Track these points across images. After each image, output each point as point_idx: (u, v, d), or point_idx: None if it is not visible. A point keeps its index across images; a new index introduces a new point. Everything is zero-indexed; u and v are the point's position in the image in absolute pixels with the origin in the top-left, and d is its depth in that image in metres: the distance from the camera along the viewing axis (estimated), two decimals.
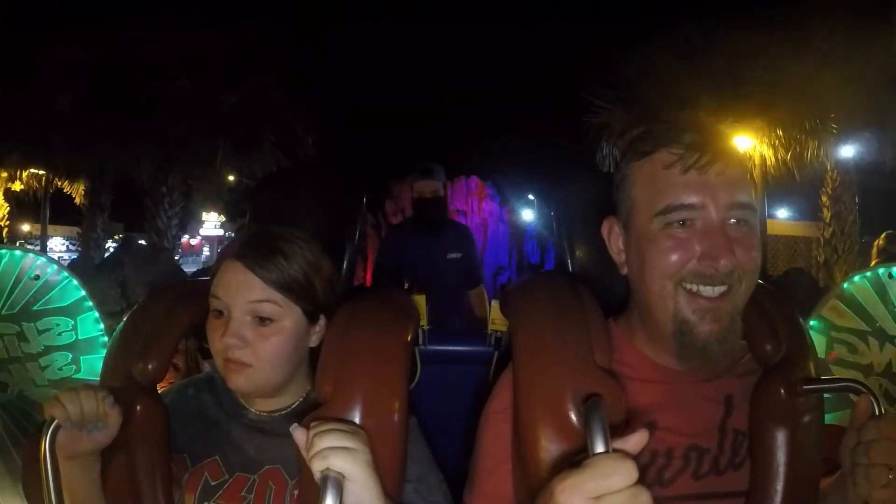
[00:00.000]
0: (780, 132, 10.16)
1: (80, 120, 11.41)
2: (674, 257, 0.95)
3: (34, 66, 11.47)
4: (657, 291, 0.98)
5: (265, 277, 1.09)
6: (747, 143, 10.27)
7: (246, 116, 12.37)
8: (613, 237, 1.07)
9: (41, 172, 13.41)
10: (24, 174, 13.53)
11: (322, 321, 1.17)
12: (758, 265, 0.97)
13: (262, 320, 1.10)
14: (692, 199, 0.94)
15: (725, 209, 0.94)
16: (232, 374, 1.10)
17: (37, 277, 2.38)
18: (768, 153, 10.37)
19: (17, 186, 13.91)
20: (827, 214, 10.98)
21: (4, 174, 13.49)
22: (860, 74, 8.72)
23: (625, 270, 1.06)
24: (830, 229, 10.94)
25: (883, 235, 5.50)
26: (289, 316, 1.12)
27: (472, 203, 12.50)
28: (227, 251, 1.15)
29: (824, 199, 11.02)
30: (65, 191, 13.90)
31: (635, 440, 0.72)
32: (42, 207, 14.99)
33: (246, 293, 1.09)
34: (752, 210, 0.97)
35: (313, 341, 1.17)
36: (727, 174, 0.95)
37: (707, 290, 0.95)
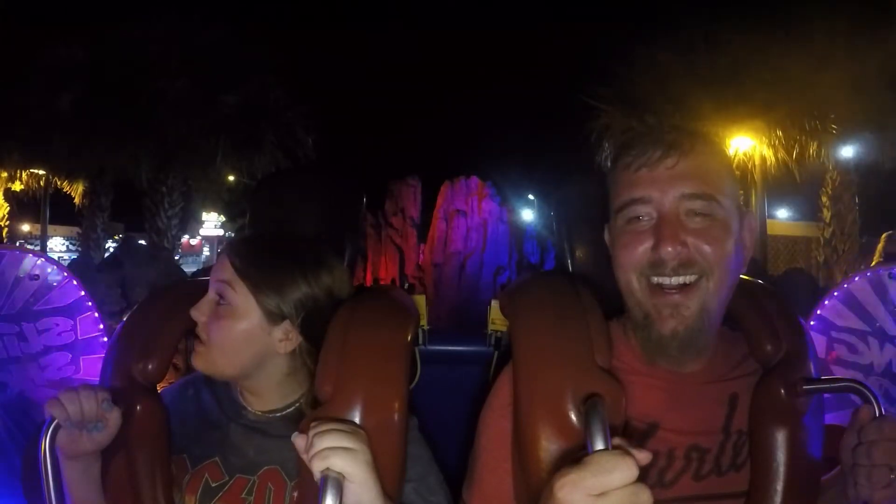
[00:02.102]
0: (780, 132, 10.17)
1: (80, 120, 11.42)
2: (631, 250, 1.00)
3: (35, 67, 11.48)
4: (625, 286, 1.01)
5: (233, 262, 1.14)
6: (747, 143, 10.28)
7: (246, 117, 12.38)
8: (610, 241, 1.09)
9: (41, 172, 13.42)
10: (25, 174, 13.53)
11: (287, 326, 1.14)
12: (727, 258, 0.98)
13: (220, 304, 1.13)
14: (640, 193, 0.99)
15: (677, 201, 0.97)
16: (195, 352, 1.14)
17: (37, 277, 2.38)
18: (768, 153, 10.38)
19: (17, 186, 13.92)
20: (827, 214, 10.98)
21: (4, 174, 13.50)
22: (860, 75, 8.73)
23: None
24: (830, 229, 10.94)
25: (884, 237, 5.51)
26: (243, 304, 1.12)
27: (471, 203, 12.52)
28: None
29: (824, 199, 11.03)
30: (64, 190, 13.90)
31: (642, 455, 0.71)
32: (42, 207, 14.99)
33: (216, 273, 1.15)
34: (712, 201, 0.98)
35: (282, 347, 1.14)
36: (677, 168, 0.98)
37: (666, 281, 0.97)
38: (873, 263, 5.60)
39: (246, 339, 1.12)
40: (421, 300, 1.38)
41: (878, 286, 2.13)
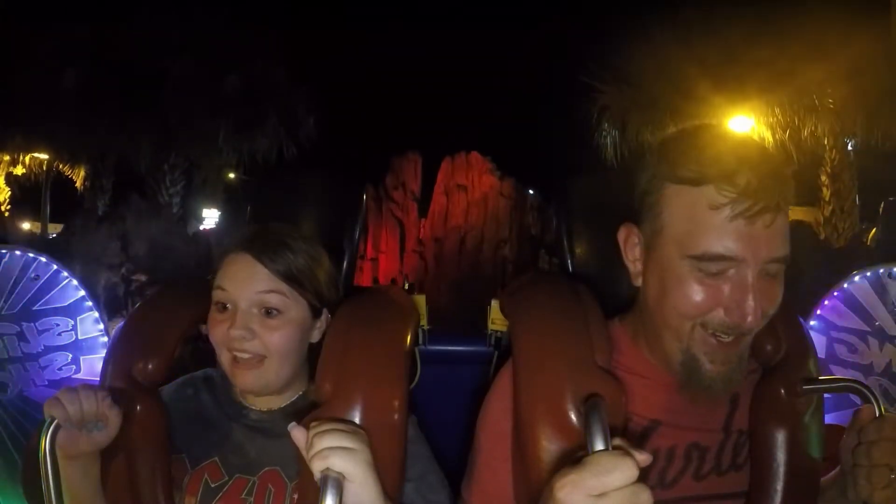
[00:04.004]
0: (777, 112, 10.15)
1: (83, 100, 11.39)
2: (699, 303, 0.91)
3: (37, 48, 11.47)
4: (673, 326, 0.95)
5: (273, 269, 1.11)
6: (745, 125, 10.26)
7: (247, 96, 12.34)
8: (630, 246, 1.01)
9: (43, 157, 13.37)
10: (27, 158, 13.48)
11: (325, 316, 1.18)
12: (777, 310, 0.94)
13: (269, 312, 1.10)
14: (733, 251, 0.88)
15: (763, 263, 0.89)
16: (242, 371, 1.10)
17: (37, 277, 2.39)
18: (767, 134, 10.35)
19: (18, 170, 13.86)
20: (826, 193, 10.93)
21: (7, 157, 13.44)
22: (858, 55, 8.72)
23: (638, 282, 1.01)
24: (830, 207, 10.89)
25: (884, 203, 5.60)
26: (295, 308, 1.13)
27: (472, 178, 12.59)
28: (232, 244, 1.15)
29: (823, 178, 10.97)
30: (65, 174, 13.82)
31: (642, 457, 0.71)
32: (43, 192, 14.89)
33: (254, 284, 1.10)
34: (786, 261, 0.91)
35: (315, 336, 1.18)
36: (774, 225, 0.88)
37: (724, 337, 0.92)
38: (871, 234, 5.69)
39: (301, 338, 1.15)
40: (421, 300, 1.37)
41: (878, 286, 2.14)
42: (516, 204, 12.43)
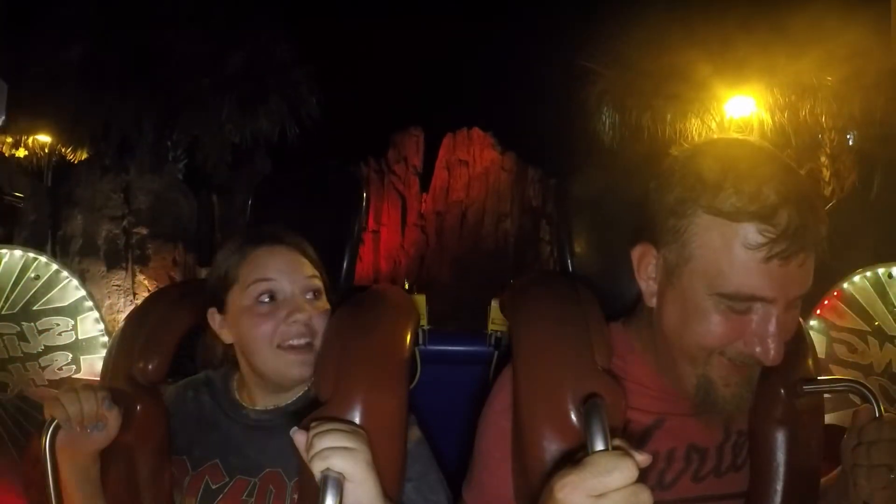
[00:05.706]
0: (777, 94, 10.13)
1: (86, 74, 11.35)
2: (722, 336, 0.90)
3: (41, 24, 11.42)
4: (690, 354, 0.94)
5: (310, 256, 1.18)
6: (744, 109, 10.25)
7: (251, 73, 12.28)
8: (645, 265, 0.97)
9: (46, 139, 13.30)
10: (30, 140, 13.41)
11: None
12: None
13: (316, 295, 1.16)
14: (766, 292, 0.86)
15: (792, 300, 0.88)
16: (297, 358, 1.11)
17: (37, 277, 2.39)
18: (766, 118, 10.33)
19: (21, 153, 13.81)
20: (826, 174, 10.90)
21: (10, 140, 13.36)
22: (857, 37, 8.71)
23: (652, 303, 0.98)
24: (830, 188, 10.85)
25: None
26: (325, 293, 1.19)
27: (473, 153, 12.66)
28: (253, 241, 1.17)
29: (823, 158, 10.95)
30: (67, 157, 13.77)
31: (642, 458, 0.71)
32: (45, 174, 14.85)
33: (301, 269, 1.15)
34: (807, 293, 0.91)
35: None
36: (806, 264, 0.86)
37: (741, 364, 0.92)
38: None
39: None
40: (421, 300, 1.37)
41: (878, 286, 2.14)
42: (517, 178, 12.48)
